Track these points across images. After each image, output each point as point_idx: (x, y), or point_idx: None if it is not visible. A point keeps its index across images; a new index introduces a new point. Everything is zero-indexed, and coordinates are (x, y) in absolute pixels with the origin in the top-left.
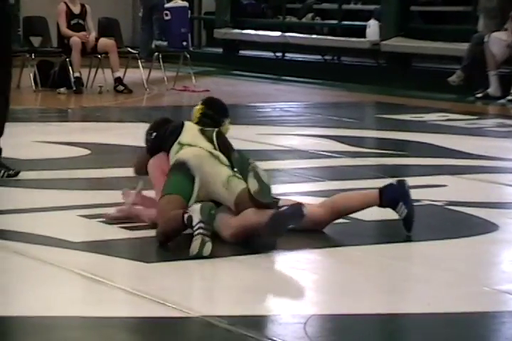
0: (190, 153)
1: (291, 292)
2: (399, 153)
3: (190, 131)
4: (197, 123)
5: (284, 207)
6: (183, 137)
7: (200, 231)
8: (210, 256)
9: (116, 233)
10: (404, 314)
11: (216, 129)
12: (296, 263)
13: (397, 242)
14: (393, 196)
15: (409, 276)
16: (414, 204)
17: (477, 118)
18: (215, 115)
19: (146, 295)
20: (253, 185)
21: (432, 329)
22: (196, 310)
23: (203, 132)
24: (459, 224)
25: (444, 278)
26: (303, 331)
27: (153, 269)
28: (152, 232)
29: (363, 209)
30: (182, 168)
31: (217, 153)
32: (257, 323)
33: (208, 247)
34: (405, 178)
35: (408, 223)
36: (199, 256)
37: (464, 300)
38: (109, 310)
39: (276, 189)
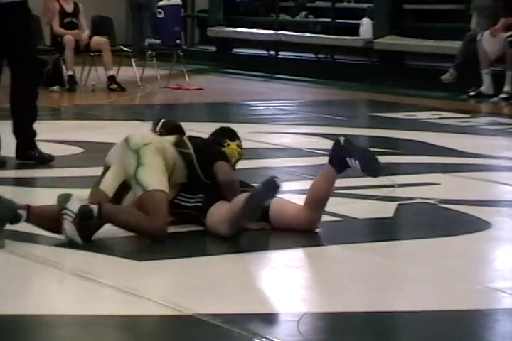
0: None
1: (284, 290)
2: (391, 151)
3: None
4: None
5: (259, 185)
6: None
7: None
8: (203, 254)
9: (108, 231)
10: (397, 312)
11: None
12: (289, 261)
13: (390, 240)
14: (337, 158)
15: (401, 274)
16: (406, 202)
17: (470, 117)
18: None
19: (138, 293)
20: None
21: (424, 328)
22: (189, 308)
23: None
24: (452, 222)
25: (437, 276)
26: (296, 329)
27: (146, 267)
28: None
29: (331, 185)
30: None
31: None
32: (250, 321)
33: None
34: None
35: (369, 170)
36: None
37: (458, 298)
38: (101, 308)
39: None
